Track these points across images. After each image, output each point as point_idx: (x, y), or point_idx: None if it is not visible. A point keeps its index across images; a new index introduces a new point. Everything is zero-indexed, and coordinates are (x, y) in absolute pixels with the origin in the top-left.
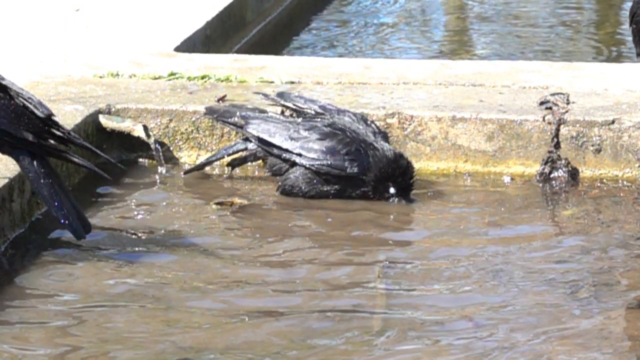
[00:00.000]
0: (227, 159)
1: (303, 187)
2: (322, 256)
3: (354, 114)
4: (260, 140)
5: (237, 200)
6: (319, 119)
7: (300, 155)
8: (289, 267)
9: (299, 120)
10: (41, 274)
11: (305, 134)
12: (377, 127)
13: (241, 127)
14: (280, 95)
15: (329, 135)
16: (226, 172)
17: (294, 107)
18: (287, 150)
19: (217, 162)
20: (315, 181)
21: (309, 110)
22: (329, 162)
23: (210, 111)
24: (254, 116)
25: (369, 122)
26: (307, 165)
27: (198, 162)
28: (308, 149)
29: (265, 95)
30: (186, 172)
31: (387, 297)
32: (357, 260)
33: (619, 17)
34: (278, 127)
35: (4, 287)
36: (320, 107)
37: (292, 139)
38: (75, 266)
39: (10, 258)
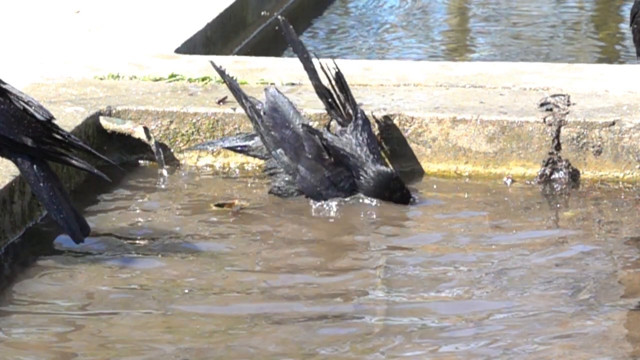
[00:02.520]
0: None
1: (293, 192)
2: (323, 260)
3: (363, 139)
4: (269, 149)
5: (237, 202)
6: (330, 139)
7: (298, 172)
8: (289, 271)
9: (311, 132)
10: (40, 277)
11: (310, 154)
12: (378, 154)
13: (258, 116)
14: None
15: (330, 166)
16: (225, 172)
17: (335, 95)
18: (286, 164)
19: (219, 165)
20: (304, 194)
21: (342, 112)
22: (322, 194)
23: (285, 26)
24: (272, 113)
25: (373, 149)
26: (300, 187)
27: (199, 163)
28: (309, 170)
29: (328, 70)
30: (181, 152)
31: (388, 301)
32: (358, 264)
33: (620, 18)
34: (291, 135)
35: (3, 292)
36: (348, 114)
37: (296, 154)
38: (74, 270)
39: (10, 261)
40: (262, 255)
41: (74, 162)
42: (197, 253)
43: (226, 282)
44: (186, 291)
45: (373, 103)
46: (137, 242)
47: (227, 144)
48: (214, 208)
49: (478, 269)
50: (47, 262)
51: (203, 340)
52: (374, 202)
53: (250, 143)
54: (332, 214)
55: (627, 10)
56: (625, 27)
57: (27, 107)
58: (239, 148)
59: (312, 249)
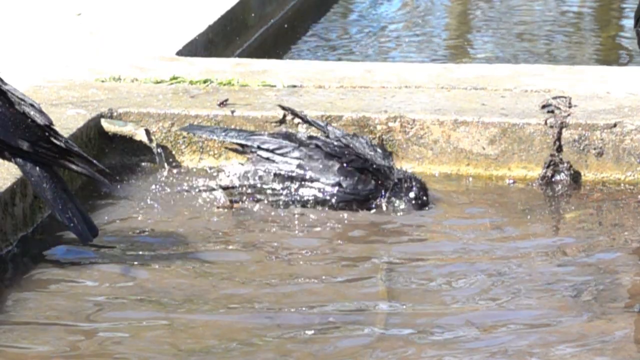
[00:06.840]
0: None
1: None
2: (324, 264)
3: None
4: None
5: (239, 204)
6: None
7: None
8: (291, 278)
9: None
10: (41, 283)
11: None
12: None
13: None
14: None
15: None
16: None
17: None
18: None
19: (220, 167)
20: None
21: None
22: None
23: None
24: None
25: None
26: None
27: (200, 165)
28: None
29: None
30: (182, 129)
31: (391, 310)
32: (360, 267)
33: (621, 20)
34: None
35: (2, 299)
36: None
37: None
38: (75, 276)
39: (10, 267)
40: (263, 259)
41: (73, 166)
42: (199, 259)
43: (228, 289)
44: (188, 295)
45: (374, 105)
46: (138, 247)
47: (229, 139)
48: (216, 210)
49: (479, 269)
50: (47, 268)
51: (205, 348)
52: (375, 206)
53: (259, 149)
54: (333, 214)
55: (628, 10)
56: (627, 28)
57: (27, 110)
58: (241, 144)
59: (314, 251)
